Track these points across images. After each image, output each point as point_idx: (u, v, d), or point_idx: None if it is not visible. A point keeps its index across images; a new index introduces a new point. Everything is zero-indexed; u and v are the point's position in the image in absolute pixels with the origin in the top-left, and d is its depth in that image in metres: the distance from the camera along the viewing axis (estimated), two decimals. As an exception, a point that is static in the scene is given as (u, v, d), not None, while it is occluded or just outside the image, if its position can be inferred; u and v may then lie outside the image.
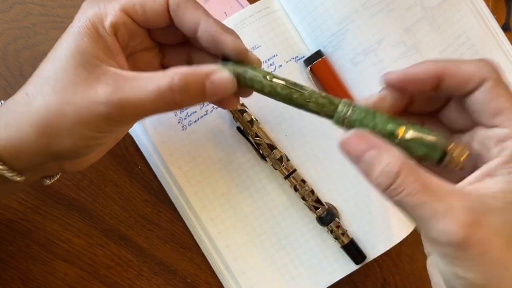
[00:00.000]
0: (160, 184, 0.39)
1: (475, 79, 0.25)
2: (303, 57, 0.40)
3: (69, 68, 0.27)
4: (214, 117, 0.39)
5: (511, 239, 0.22)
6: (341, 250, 0.38)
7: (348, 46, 0.40)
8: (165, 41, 0.33)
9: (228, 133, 0.39)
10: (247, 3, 0.41)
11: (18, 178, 0.29)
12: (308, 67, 0.39)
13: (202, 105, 0.39)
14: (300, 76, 0.40)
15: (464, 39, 0.42)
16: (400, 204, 0.24)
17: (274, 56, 0.39)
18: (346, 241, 0.38)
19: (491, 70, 0.25)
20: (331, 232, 0.38)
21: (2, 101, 0.31)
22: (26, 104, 0.28)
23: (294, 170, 0.38)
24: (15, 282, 0.37)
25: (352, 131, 0.25)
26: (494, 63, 0.26)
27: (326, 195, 0.39)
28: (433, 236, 0.23)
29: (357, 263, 0.38)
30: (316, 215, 0.38)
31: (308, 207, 0.38)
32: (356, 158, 0.24)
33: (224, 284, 0.39)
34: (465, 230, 0.22)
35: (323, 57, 0.39)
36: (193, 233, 0.39)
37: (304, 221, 0.39)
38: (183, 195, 0.38)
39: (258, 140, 0.38)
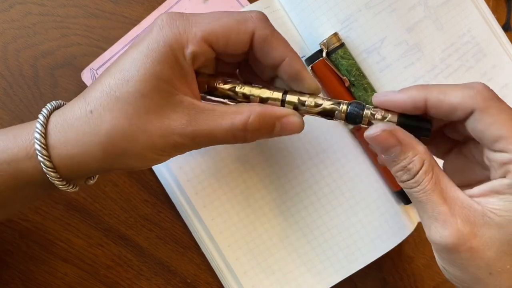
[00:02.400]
0: (160, 184, 0.39)
1: (461, 110, 0.26)
2: (304, 56, 0.40)
3: (145, 93, 0.26)
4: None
5: (503, 252, 0.24)
6: (343, 250, 0.38)
7: (351, 45, 0.40)
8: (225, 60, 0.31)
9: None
10: (247, 2, 0.40)
11: (73, 190, 0.29)
12: (309, 66, 0.39)
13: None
14: (301, 76, 0.40)
15: (468, 37, 0.42)
16: (411, 197, 0.26)
17: (274, 55, 0.39)
18: (396, 118, 0.28)
19: (479, 97, 0.25)
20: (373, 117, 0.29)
21: (63, 102, 0.30)
22: (91, 123, 0.27)
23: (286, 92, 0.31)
24: (15, 282, 0.37)
25: (383, 125, 0.27)
26: (483, 87, 0.26)
27: (327, 195, 0.39)
28: (431, 234, 0.26)
29: (426, 134, 0.29)
30: (342, 114, 0.29)
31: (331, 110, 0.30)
32: (383, 150, 0.27)
33: (224, 284, 0.39)
34: (458, 237, 0.24)
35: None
36: (193, 233, 0.39)
37: (306, 221, 0.39)
38: (184, 194, 0.38)
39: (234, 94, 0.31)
